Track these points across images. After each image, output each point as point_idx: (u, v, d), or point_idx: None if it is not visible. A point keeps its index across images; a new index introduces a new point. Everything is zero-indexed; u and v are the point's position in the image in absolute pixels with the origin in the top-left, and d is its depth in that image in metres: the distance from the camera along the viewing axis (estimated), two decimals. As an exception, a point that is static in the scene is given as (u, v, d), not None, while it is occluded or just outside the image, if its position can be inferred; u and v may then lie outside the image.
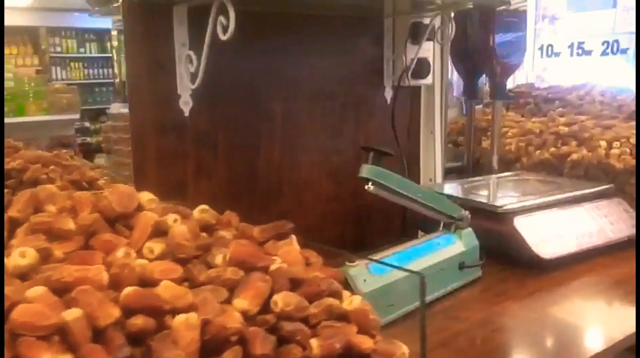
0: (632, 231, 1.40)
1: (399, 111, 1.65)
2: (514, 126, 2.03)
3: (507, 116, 2.20)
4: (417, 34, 1.59)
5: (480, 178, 1.67)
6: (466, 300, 1.11)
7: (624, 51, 7.67)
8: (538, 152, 1.79)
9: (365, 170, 1.02)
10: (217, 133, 1.32)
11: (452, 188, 1.55)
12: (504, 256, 1.25)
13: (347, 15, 1.57)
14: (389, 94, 1.64)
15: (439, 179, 1.71)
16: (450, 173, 1.87)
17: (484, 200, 1.38)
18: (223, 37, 1.05)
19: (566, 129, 1.79)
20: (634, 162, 1.54)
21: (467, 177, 1.77)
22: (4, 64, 1.55)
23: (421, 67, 1.62)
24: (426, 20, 1.61)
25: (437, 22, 1.63)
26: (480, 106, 2.43)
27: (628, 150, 1.60)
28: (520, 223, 1.24)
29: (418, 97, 1.71)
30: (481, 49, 1.69)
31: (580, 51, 8.31)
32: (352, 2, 1.47)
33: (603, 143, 1.65)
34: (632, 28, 7.80)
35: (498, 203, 1.30)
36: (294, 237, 0.65)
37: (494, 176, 1.72)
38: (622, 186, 1.54)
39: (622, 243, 1.37)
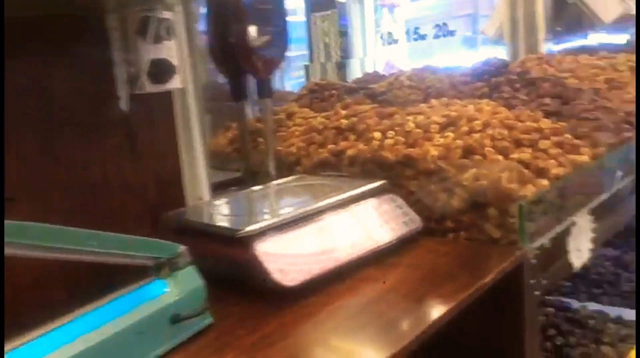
0: (404, 230, 1.26)
1: (144, 125, 1.39)
2: (303, 124, 1.85)
3: (301, 112, 2.02)
4: (147, 30, 1.33)
5: (252, 189, 1.45)
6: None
7: (452, 33, 8.05)
8: (320, 150, 1.62)
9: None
10: None
11: (196, 211, 1.31)
12: (249, 291, 1.04)
13: (63, 14, 1.27)
14: (125, 104, 1.37)
15: (207, 196, 1.48)
16: (229, 186, 1.65)
17: (225, 223, 1.16)
18: None
19: (346, 122, 1.63)
20: (407, 151, 1.40)
21: (246, 188, 1.56)
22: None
23: (161, 70, 1.37)
24: (164, 14, 1.36)
25: (178, 16, 1.40)
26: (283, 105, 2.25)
27: (402, 139, 1.46)
28: (263, 247, 1.03)
29: (169, 106, 1.46)
30: (239, 45, 1.47)
31: (416, 36, 8.63)
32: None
33: (377, 134, 1.50)
34: (462, 12, 8.15)
35: (238, 225, 1.08)
36: None
37: (270, 184, 1.51)
38: (397, 179, 1.40)
39: (391, 247, 1.22)
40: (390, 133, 1.49)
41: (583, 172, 1.40)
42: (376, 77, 4.49)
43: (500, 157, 1.33)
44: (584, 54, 2.76)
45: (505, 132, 1.39)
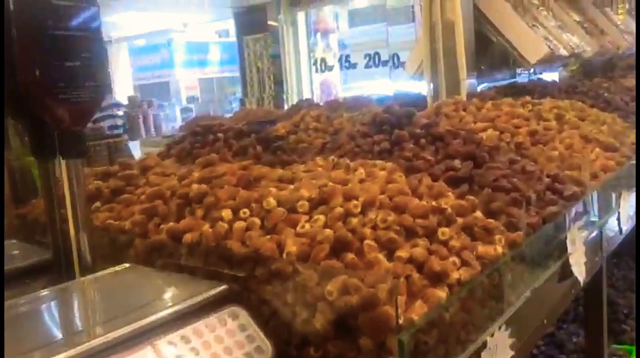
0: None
1: None
2: (156, 184, 1.44)
3: (161, 166, 1.61)
4: None
5: (41, 293, 1.02)
6: None
7: (385, 64, 7.88)
8: (162, 227, 1.21)
9: None
10: None
11: None
12: None
13: None
14: None
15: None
16: (38, 274, 1.22)
17: None
18: None
19: (197, 188, 1.23)
20: (270, 244, 1.01)
21: (55, 281, 1.14)
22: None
23: None
24: None
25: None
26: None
27: (258, 221, 1.07)
28: None
29: None
30: (29, 85, 1.05)
31: (347, 64, 8.42)
32: None
33: (226, 213, 1.10)
34: (397, 40, 7.95)
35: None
36: None
37: (78, 280, 1.09)
38: (247, 281, 1.00)
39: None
40: (244, 212, 1.10)
41: (494, 272, 1.06)
42: (309, 104, 4.16)
43: (381, 256, 0.97)
44: (507, 98, 2.49)
45: (391, 217, 1.02)
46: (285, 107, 5.98)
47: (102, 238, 1.26)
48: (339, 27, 9.01)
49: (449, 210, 1.12)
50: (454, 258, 1.01)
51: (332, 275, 0.90)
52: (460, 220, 1.14)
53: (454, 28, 2.75)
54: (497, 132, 1.88)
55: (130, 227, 1.24)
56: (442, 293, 0.94)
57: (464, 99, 2.75)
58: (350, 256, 0.95)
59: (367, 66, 7.80)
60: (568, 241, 1.38)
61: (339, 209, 1.03)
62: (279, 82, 8.17)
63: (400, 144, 1.50)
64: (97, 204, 1.42)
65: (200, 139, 2.02)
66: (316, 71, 8.75)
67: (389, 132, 1.57)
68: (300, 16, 8.51)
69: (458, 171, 1.38)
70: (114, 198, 1.42)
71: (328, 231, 0.98)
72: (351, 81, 8.40)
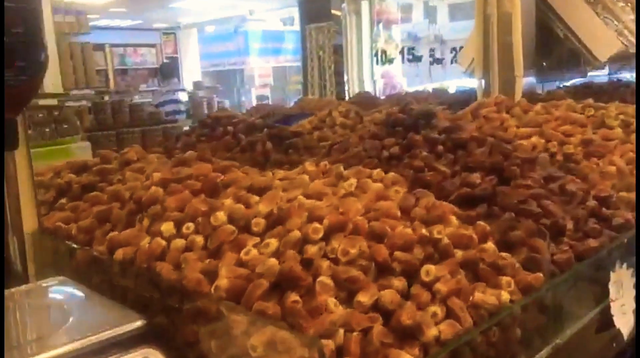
0: None
1: None
2: (130, 181, 1.27)
3: (145, 160, 1.44)
4: None
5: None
6: None
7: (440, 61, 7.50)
8: (112, 235, 1.04)
9: None
10: None
11: None
12: None
13: None
14: None
15: None
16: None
17: None
18: None
19: (153, 191, 1.04)
20: (194, 274, 0.81)
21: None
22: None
23: None
24: None
25: None
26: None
27: (201, 240, 0.87)
28: None
29: None
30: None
31: (411, 57, 8.07)
32: None
33: (167, 227, 0.91)
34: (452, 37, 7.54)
35: None
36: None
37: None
38: (174, 317, 0.81)
39: None
40: (187, 227, 0.90)
41: (492, 328, 0.81)
42: (365, 98, 3.94)
43: (334, 300, 0.74)
44: (569, 99, 2.17)
45: (355, 250, 0.79)
46: (347, 98, 5.76)
47: (50, 242, 1.10)
48: (411, 18, 8.68)
49: (445, 240, 0.88)
50: (436, 308, 0.77)
51: (260, 325, 0.68)
52: (460, 254, 0.89)
53: (511, 21, 2.44)
54: (543, 141, 1.59)
55: (75, 233, 1.07)
56: (409, 357, 0.70)
57: (518, 98, 2.45)
58: (293, 298, 0.73)
59: (430, 58, 7.45)
60: (611, 285, 1.10)
61: (295, 234, 0.82)
62: (339, 73, 7.95)
63: (412, 150, 1.25)
64: (63, 201, 1.26)
65: (208, 132, 1.85)
66: (377, 62, 8.47)
67: (403, 135, 1.33)
68: (364, 6, 8.24)
69: (476, 187, 1.12)
70: (82, 195, 1.27)
71: (272, 261, 0.77)
72: (438, 78, 7.96)
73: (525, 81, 2.55)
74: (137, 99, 8.34)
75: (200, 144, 1.77)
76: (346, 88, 8.17)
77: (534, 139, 1.60)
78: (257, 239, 0.85)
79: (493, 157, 1.22)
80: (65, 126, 4.93)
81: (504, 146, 1.25)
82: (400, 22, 8.43)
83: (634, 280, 1.19)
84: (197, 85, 11.30)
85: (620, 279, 1.14)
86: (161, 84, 11.69)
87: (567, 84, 3.17)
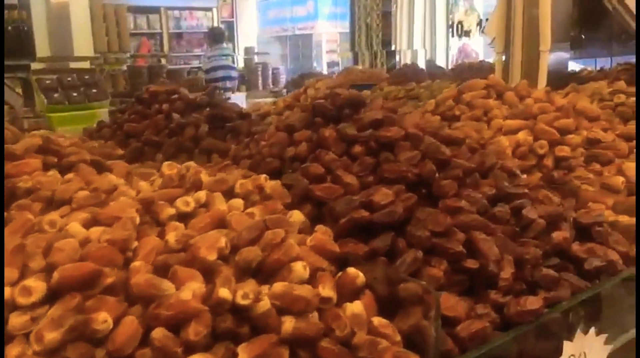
0: None
1: None
2: None
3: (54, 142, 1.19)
4: None
5: None
6: None
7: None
8: None
9: None
10: None
11: None
12: None
13: None
14: None
15: None
16: None
17: None
18: None
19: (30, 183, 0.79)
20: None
21: None
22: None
23: None
24: None
25: None
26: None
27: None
28: None
29: None
30: None
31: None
32: None
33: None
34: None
35: None
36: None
37: None
38: None
39: None
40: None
41: None
42: (404, 72, 3.58)
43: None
44: (601, 81, 1.76)
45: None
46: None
47: None
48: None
49: (261, 308, 0.57)
50: None
51: None
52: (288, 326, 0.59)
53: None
54: (531, 138, 1.22)
55: None
56: None
57: (543, 77, 2.04)
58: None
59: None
60: (561, 361, 0.76)
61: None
62: (386, 42, 7.49)
63: (317, 151, 0.94)
64: None
65: (141, 110, 1.59)
66: (452, 35, 7.93)
67: (320, 124, 1.01)
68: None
69: (379, 210, 0.80)
70: None
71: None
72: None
73: (555, 57, 2.13)
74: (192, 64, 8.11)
75: (127, 125, 1.51)
76: (397, 59, 7.71)
77: (521, 135, 1.23)
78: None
79: (421, 166, 0.88)
80: (95, 91, 4.83)
81: (442, 151, 0.91)
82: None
83: (608, 348, 0.83)
84: (248, 51, 11.10)
85: (582, 350, 0.79)
86: (209, 49, 11.56)
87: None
